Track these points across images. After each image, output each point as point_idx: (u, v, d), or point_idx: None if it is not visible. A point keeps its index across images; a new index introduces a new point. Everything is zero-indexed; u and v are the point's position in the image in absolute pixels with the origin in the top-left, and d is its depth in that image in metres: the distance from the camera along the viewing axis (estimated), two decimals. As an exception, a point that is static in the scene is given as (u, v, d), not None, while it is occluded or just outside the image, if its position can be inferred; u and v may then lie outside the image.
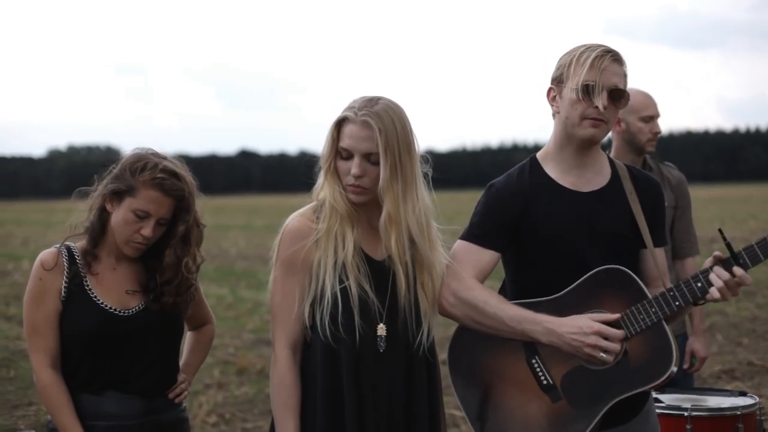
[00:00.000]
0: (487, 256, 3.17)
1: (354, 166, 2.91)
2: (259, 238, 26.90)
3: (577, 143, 3.14)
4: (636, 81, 4.15)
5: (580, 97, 3.06)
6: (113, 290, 3.17)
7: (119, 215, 3.12)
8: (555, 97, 3.17)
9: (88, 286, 3.15)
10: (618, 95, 3.09)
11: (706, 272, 3.00)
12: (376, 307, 2.94)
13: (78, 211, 3.21)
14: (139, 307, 3.17)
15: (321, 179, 3.00)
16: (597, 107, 3.05)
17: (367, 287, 2.93)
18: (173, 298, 3.18)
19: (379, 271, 2.97)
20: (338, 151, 2.94)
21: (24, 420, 7.44)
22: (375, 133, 2.88)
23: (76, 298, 3.13)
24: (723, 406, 4.01)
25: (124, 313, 3.15)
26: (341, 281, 2.92)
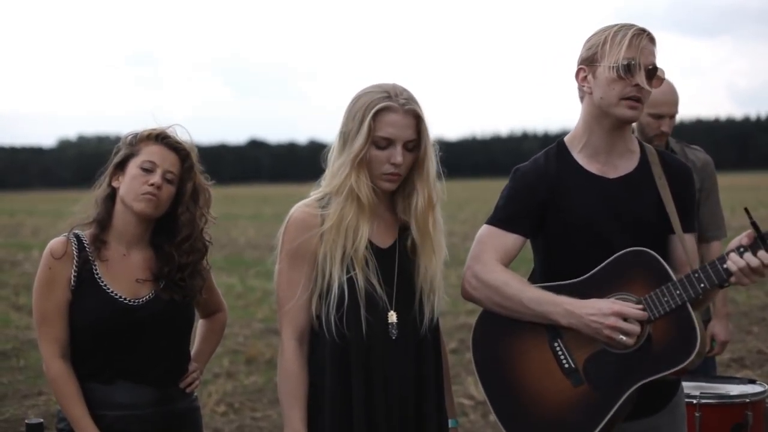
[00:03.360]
0: (512, 240, 3.14)
1: (398, 155, 2.90)
2: (268, 228, 26.89)
3: (610, 124, 3.09)
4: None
5: (621, 75, 3.01)
6: (123, 279, 3.16)
7: (126, 178, 3.14)
8: (586, 77, 3.11)
9: (97, 274, 3.14)
10: (654, 74, 3.05)
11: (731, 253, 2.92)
12: (384, 299, 2.93)
13: (84, 204, 3.21)
14: (149, 296, 3.17)
15: (346, 168, 2.92)
16: (636, 85, 3.01)
17: (374, 281, 2.92)
18: (188, 257, 3.18)
19: (385, 260, 2.97)
20: (373, 141, 2.93)
21: (34, 409, 7.46)
22: (419, 120, 2.92)
23: (85, 287, 3.12)
24: (732, 393, 4.01)
25: (134, 302, 3.14)
26: (348, 271, 2.91)
